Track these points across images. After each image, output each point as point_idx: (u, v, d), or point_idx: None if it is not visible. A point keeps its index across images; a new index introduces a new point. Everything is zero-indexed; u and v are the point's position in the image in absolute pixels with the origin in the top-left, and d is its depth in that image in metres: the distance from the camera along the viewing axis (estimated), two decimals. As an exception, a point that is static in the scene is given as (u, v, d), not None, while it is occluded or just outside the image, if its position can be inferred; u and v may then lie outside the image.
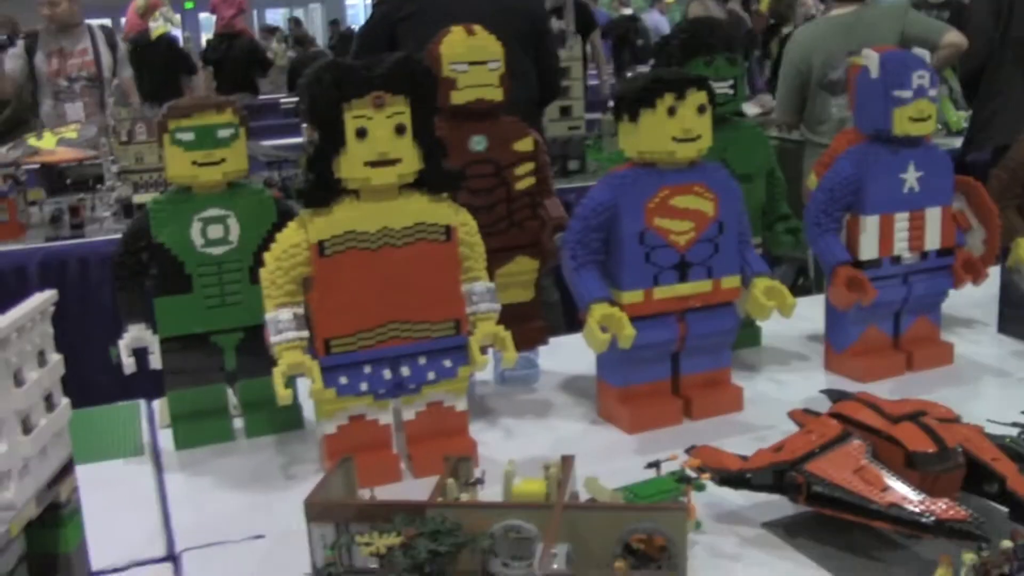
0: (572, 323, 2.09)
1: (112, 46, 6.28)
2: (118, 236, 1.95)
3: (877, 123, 2.05)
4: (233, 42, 10.18)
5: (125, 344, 1.84)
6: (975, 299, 2.37)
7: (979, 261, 2.17)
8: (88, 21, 6.33)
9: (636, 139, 1.82)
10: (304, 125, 3.87)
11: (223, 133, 1.82)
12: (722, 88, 2.18)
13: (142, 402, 2.14)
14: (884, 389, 1.99)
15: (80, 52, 6.01)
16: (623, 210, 1.80)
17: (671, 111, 1.79)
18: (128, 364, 1.83)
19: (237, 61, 9.97)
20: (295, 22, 20.64)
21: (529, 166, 2.01)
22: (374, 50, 4.43)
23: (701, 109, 1.81)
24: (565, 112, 5.05)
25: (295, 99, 7.60)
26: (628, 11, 12.55)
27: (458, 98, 1.93)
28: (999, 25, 4.86)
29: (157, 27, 9.40)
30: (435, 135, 1.66)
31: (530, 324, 2.07)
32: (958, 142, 5.37)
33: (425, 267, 1.66)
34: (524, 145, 2.01)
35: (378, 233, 1.63)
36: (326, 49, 12.99)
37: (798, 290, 4.87)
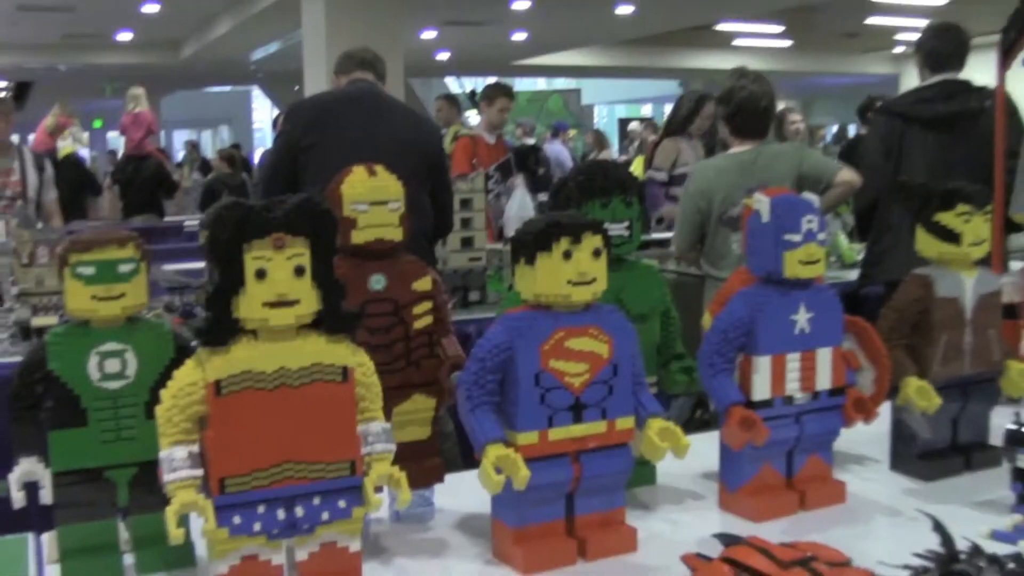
0: (468, 456, 2.10)
1: (40, 168, 6.25)
2: (15, 360, 1.94)
3: (768, 265, 2.11)
4: (141, 164, 10.18)
5: (15, 478, 1.81)
6: (867, 437, 2.41)
7: (869, 400, 2.21)
8: (15, 139, 6.31)
9: (532, 282, 1.86)
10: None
11: (124, 268, 1.83)
12: (618, 230, 2.25)
13: (30, 536, 2.09)
14: (778, 529, 2.02)
15: (5, 172, 5.97)
16: (519, 352, 1.83)
17: (567, 255, 1.83)
18: (18, 499, 1.80)
19: (144, 182, 9.96)
20: (191, 146, 20.74)
21: (427, 305, 2.04)
22: (278, 177, 4.47)
23: (596, 252, 1.85)
24: (467, 243, 5.09)
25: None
26: (531, 141, 12.87)
27: (358, 237, 1.96)
28: (890, 164, 5.04)
29: (65, 146, 9.36)
30: (334, 276, 1.68)
31: (426, 462, 2.07)
32: (853, 274, 5.53)
33: (321, 408, 1.67)
34: (423, 284, 2.04)
35: (275, 373, 1.64)
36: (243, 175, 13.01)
37: (697, 423, 4.92)
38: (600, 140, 16.52)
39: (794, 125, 9.01)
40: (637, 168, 10.24)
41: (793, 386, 2.13)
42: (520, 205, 6.60)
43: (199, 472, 1.62)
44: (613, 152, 19.35)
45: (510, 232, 6.60)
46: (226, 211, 1.61)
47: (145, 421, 1.84)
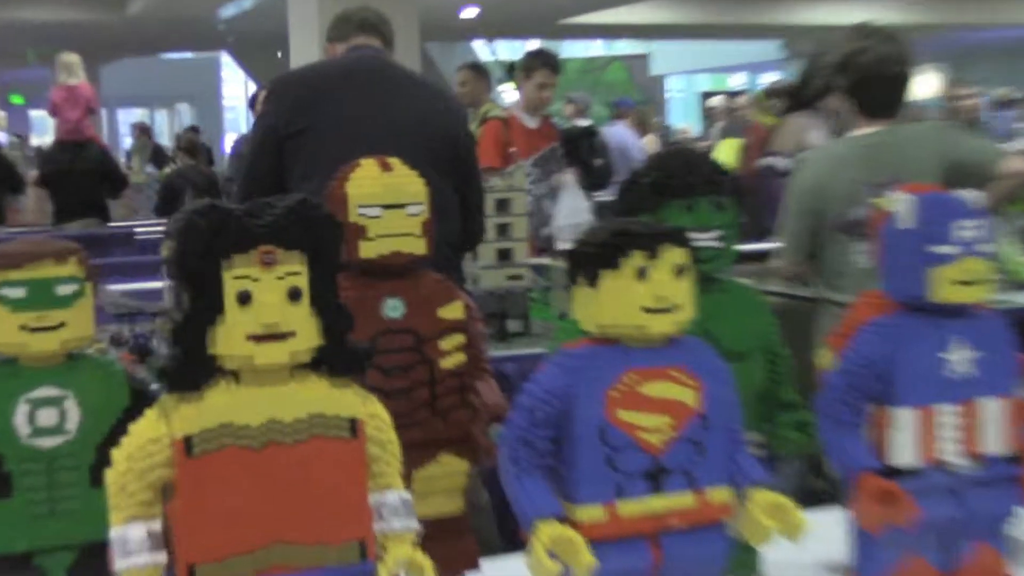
0: (510, 535, 2.09)
1: None
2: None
3: (910, 287, 2.08)
4: (79, 152, 10.23)
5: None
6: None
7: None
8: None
9: (596, 309, 1.86)
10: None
11: (64, 290, 1.85)
12: (707, 240, 2.24)
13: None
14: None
15: None
16: (579, 400, 1.83)
17: (641, 273, 1.83)
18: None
19: (83, 177, 10.01)
20: (141, 129, 20.76)
21: (458, 339, 2.06)
22: (258, 173, 4.50)
23: (679, 270, 1.85)
24: (504, 257, 5.06)
25: (162, 230, 7.57)
26: (584, 122, 12.77)
27: (369, 251, 1.98)
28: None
29: (-30, 130, 9.47)
30: (338, 300, 1.69)
31: (457, 543, 2.08)
32: (1025, 297, 5.39)
33: (322, 472, 1.67)
34: (452, 311, 2.05)
35: (263, 427, 1.65)
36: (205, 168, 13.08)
37: (811, 497, 4.87)
38: (643, 119, 15.86)
39: (965, 101, 8.77)
40: (727, 155, 10.19)
41: (949, 449, 2.09)
42: (571, 208, 6.62)
43: (162, 557, 1.62)
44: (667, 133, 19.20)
45: (560, 243, 6.61)
46: (199, 216, 1.62)
47: (89, 490, 1.85)
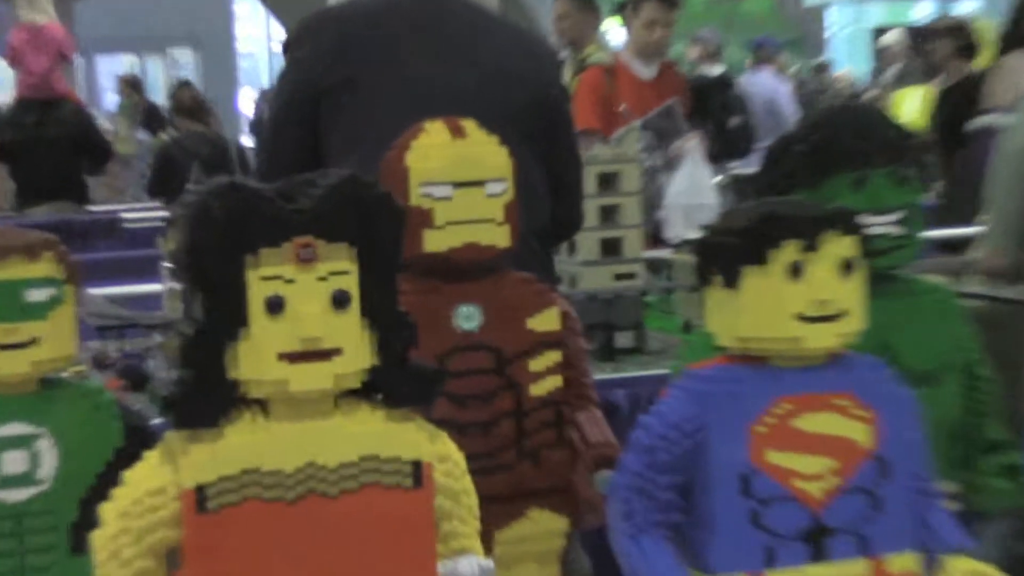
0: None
1: None
2: None
3: None
4: (48, 114, 10.27)
5: None
6: None
7: None
8: None
9: (735, 317, 1.86)
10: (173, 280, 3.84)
11: (36, 296, 1.87)
12: (884, 226, 2.24)
13: None
14: None
15: None
16: (713, 438, 1.84)
17: (795, 270, 1.83)
18: None
19: (54, 146, 10.05)
20: (129, 83, 20.74)
21: (552, 357, 2.07)
22: (287, 141, 4.49)
23: (847, 266, 1.85)
24: (611, 250, 5.02)
25: (161, 219, 7.59)
26: (716, 69, 12.60)
27: (436, 242, 2.00)
28: None
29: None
30: (397, 308, 1.70)
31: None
32: None
33: (377, 532, 1.69)
34: (546, 322, 2.06)
35: (298, 473, 1.66)
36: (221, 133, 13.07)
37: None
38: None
39: None
40: (910, 109, 10.04)
41: None
42: (693, 184, 6.56)
43: (166, 647, 1.65)
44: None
45: (676, 230, 6.56)
46: (215, 199, 1.63)
47: (69, 557, 1.87)
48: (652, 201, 7.04)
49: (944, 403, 2.30)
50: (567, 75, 7.82)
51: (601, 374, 4.67)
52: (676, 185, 6.57)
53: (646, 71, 8.42)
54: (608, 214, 4.93)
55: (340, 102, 4.30)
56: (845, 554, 1.88)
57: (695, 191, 6.45)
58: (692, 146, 7.11)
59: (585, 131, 5.81)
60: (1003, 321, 4.88)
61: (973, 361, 2.35)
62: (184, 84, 16.29)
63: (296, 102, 4.44)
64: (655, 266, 5.56)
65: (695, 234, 1.92)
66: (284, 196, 1.64)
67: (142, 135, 16.87)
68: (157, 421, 1.74)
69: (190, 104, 12.75)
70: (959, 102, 7.83)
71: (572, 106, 5.48)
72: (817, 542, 1.87)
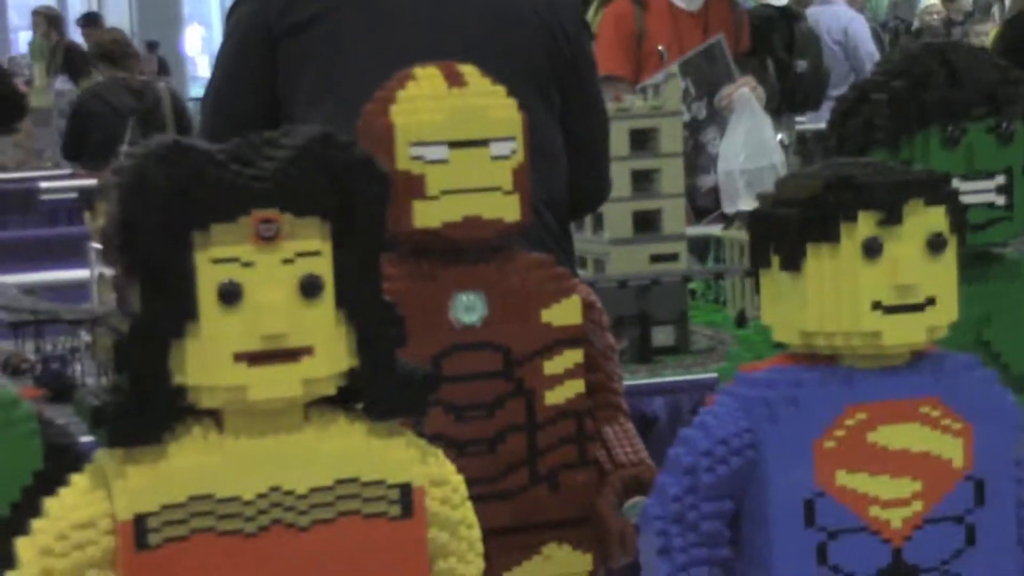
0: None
1: None
2: None
3: None
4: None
5: None
6: None
7: None
8: None
9: (798, 307, 1.87)
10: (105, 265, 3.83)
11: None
12: (981, 194, 2.24)
13: None
14: None
15: None
16: (771, 455, 1.85)
17: (872, 248, 1.83)
18: None
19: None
20: (46, 18, 20.64)
21: (573, 356, 2.08)
22: (240, 93, 4.48)
23: (936, 244, 1.85)
24: (645, 225, 5.00)
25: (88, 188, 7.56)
26: (780, 1, 12.50)
27: (429, 216, 2.00)
28: None
29: None
30: (381, 297, 1.71)
31: None
32: None
33: (357, 572, 1.71)
34: (563, 314, 2.07)
35: (261, 501, 1.68)
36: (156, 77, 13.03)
37: None
38: None
39: None
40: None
41: None
42: (753, 142, 6.51)
43: None
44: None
45: (739, 200, 6.53)
46: (155, 164, 1.62)
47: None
48: (699, 163, 6.97)
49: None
50: (590, 8, 7.75)
51: (633, 378, 4.68)
52: (731, 144, 6.44)
53: (686, 1, 8.21)
54: (642, 181, 4.89)
55: (303, 47, 4.29)
56: (933, 598, 1.89)
57: (757, 151, 6.33)
58: (744, 95, 6.96)
59: (610, 77, 5.78)
60: None
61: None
62: (90, 17, 16.15)
63: (250, 43, 4.43)
64: (700, 246, 5.54)
65: (751, 205, 1.92)
66: (240, 160, 1.63)
67: (62, 83, 16.83)
68: (85, 438, 1.74)
69: (110, 48, 12.62)
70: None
71: (595, 47, 5.46)
72: (898, 583, 1.88)
